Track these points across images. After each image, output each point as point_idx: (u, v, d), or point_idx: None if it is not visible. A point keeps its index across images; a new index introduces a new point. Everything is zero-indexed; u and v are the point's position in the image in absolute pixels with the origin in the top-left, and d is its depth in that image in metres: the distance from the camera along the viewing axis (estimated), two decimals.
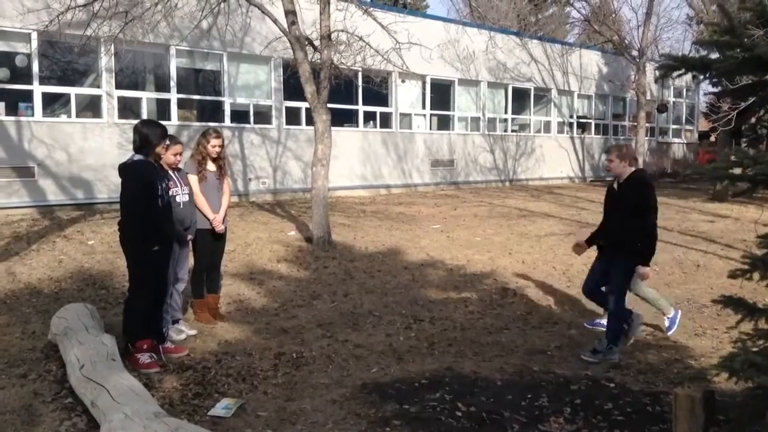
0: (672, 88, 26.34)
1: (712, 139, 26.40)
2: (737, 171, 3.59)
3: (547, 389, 4.74)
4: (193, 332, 6.01)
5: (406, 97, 18.06)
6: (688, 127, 28.32)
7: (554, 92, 22.21)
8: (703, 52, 4.52)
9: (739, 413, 3.67)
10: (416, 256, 9.64)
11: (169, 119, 13.41)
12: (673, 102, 27.04)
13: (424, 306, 7.22)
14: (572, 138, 22.81)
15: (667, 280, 8.58)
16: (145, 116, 13.04)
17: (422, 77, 17.84)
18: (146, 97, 13.39)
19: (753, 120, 22.25)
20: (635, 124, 22.00)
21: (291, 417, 4.31)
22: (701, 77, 3.74)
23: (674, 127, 27.35)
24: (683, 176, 23.28)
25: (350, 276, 8.44)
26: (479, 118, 19.97)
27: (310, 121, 10.16)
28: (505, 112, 20.88)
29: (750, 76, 3.67)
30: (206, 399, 4.59)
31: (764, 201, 13.68)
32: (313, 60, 10.41)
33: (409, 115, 18.18)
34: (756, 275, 3.59)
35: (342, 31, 10.64)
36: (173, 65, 13.51)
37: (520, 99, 21.49)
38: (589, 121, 23.64)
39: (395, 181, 17.55)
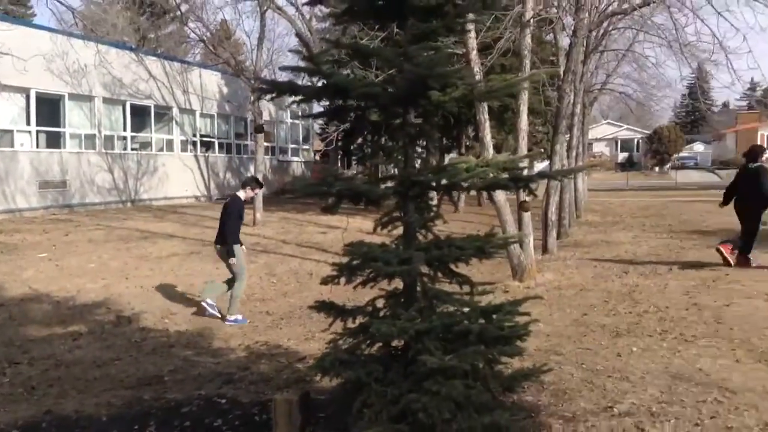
0: (289, 110, 28.10)
1: (317, 158, 28.88)
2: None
3: (156, 416, 4.52)
4: None
5: (5, 111, 15.99)
6: (305, 146, 30.53)
7: (176, 110, 21.91)
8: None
9: (333, 409, 3.95)
10: (16, 290, 8.50)
11: None
12: (290, 123, 28.87)
13: (22, 346, 6.38)
14: (196, 156, 22.77)
15: (284, 290, 9.00)
16: None
17: (25, 90, 16.01)
18: None
19: (360, 140, 24.91)
20: (256, 143, 22.89)
21: None
22: (292, 101, 3.96)
23: (293, 146, 29.24)
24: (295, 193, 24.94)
25: None
26: (95, 135, 18.66)
27: None
28: (124, 130, 19.89)
29: (332, 100, 4.01)
30: None
31: (368, 212, 15.30)
32: None
33: (11, 131, 16.13)
34: (343, 280, 3.89)
35: None
36: None
37: (140, 116, 20.69)
38: (212, 140, 23.87)
39: None
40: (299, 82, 4.09)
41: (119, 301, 8.22)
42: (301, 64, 4.09)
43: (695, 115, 67.97)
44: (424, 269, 3.85)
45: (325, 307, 4.14)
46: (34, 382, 5.42)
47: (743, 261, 9.12)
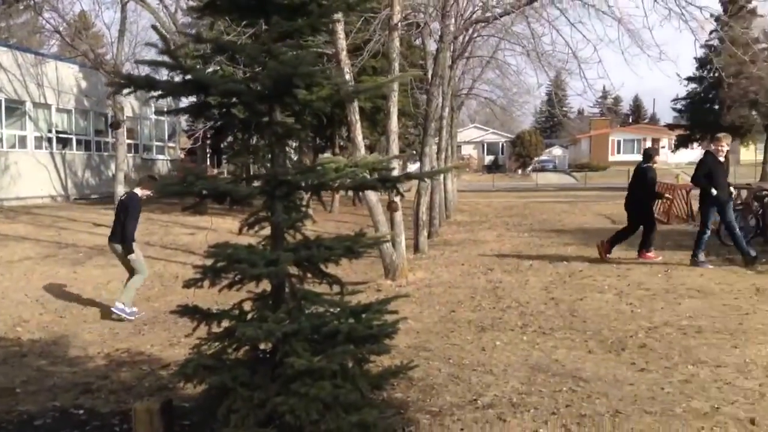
0: (153, 105, 26.97)
1: (181, 155, 27.98)
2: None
3: (7, 430, 4.19)
4: None
5: None
6: (171, 143, 29.43)
7: (29, 105, 20.43)
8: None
9: (198, 416, 3.82)
10: None
11: None
12: (155, 119, 27.74)
13: None
14: (52, 154, 21.34)
15: (147, 294, 8.64)
16: None
17: None
18: None
19: (231, 138, 24.36)
20: (116, 140, 21.81)
21: None
22: (150, 96, 3.80)
23: (158, 143, 28.10)
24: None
25: None
26: None
27: None
28: None
29: (192, 96, 3.88)
30: None
31: (238, 213, 14.98)
32: None
33: None
34: (207, 283, 3.77)
35: None
36: None
37: None
38: (70, 136, 22.47)
39: None
40: (158, 77, 3.92)
41: None
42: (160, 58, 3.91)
43: (553, 121, 72.15)
44: (293, 270, 3.82)
45: (188, 311, 4.00)
46: None
47: (646, 255, 9.86)
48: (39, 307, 7.87)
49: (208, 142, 24.51)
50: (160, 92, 3.75)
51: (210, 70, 13.23)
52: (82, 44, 18.55)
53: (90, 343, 6.46)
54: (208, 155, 30.01)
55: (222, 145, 26.44)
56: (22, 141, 20.35)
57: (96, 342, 6.50)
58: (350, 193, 4.50)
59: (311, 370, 3.30)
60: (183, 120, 30.90)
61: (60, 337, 6.63)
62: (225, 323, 3.78)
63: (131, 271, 7.81)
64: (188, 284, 3.80)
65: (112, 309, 7.58)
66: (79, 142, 22.97)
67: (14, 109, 20.14)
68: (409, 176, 4.12)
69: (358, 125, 9.00)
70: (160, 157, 28.19)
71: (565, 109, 62.92)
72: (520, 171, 57.30)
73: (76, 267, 10.06)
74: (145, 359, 5.90)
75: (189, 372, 3.47)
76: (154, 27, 17.05)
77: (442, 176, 16.80)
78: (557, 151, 66.64)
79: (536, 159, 58.54)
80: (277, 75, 3.38)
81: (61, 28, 21.00)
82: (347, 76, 8.44)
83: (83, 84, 23.03)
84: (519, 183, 48.15)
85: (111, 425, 4.24)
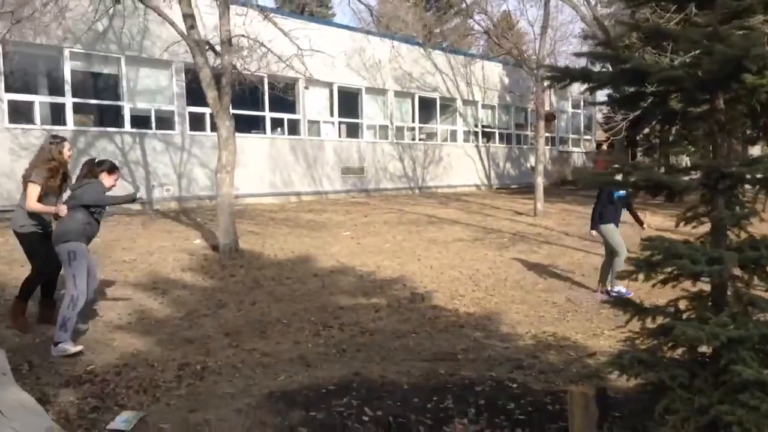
0: (570, 99, 27.48)
1: (604, 147, 27.65)
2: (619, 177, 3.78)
3: (452, 391, 4.82)
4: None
5: (313, 104, 18.03)
6: (586, 136, 29.64)
7: (459, 102, 22.74)
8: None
9: (631, 408, 3.86)
10: (326, 263, 9.62)
11: (64, 124, 12.84)
12: (571, 113, 28.23)
13: (333, 312, 7.21)
14: (478, 147, 23.41)
15: (568, 282, 8.92)
16: (38, 121, 12.43)
17: (329, 84, 17.88)
18: (39, 101, 12.77)
19: (647, 130, 23.47)
20: (536, 133, 22.81)
21: (194, 428, 4.20)
22: (585, 88, 3.91)
23: (573, 136, 28.56)
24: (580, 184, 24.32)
25: (258, 284, 8.32)
26: (387, 126, 20.18)
27: (215, 127, 10.01)
28: (413, 121, 21.20)
29: (628, 87, 3.87)
30: (105, 413, 4.40)
31: (658, 207, 14.43)
32: (214, 65, 10.22)
33: (318, 122, 18.15)
34: (641, 276, 3.76)
35: (243, 36, 10.51)
36: (67, 68, 12.94)
37: (427, 108, 21.87)
38: (493, 130, 24.34)
39: (305, 188, 17.47)
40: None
41: (413, 279, 8.86)
42: (583, 51, 3.96)
43: None
44: (736, 272, 3.58)
45: (621, 303, 4.06)
46: (344, 346, 6.09)
47: None
48: (471, 284, 8.77)
49: (624, 134, 23.97)
50: (593, 84, 3.83)
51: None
52: (507, 43, 19.81)
53: (518, 322, 6.98)
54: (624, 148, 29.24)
55: (637, 138, 25.51)
56: (453, 135, 22.73)
57: (523, 322, 6.99)
58: None
59: (761, 382, 3.07)
60: (599, 112, 30.78)
61: (491, 313, 7.31)
62: (659, 319, 3.73)
63: (609, 253, 8.12)
64: (621, 276, 3.86)
65: (601, 295, 8.02)
66: (500, 135, 24.71)
67: (447, 106, 22.62)
68: None
69: None
70: (576, 149, 28.62)
71: None
72: None
73: (501, 251, 10.93)
74: (571, 345, 6.15)
75: (624, 364, 3.51)
76: (595, 19, 17.32)
77: None
78: None
79: None
80: (724, 59, 3.17)
81: (488, 29, 22.78)
82: None
83: (506, 81, 24.64)
84: None
85: (543, 403, 4.56)
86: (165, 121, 14.69)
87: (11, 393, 4.02)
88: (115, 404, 4.55)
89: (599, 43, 3.87)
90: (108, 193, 5.97)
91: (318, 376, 5.24)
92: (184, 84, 14.51)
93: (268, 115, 16.54)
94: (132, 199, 6.20)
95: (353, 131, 19.55)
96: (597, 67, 4.74)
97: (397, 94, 20.47)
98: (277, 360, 5.65)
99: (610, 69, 3.83)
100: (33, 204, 5.85)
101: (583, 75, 3.78)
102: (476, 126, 23.56)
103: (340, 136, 18.83)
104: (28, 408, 3.87)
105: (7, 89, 12.13)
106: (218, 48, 10.03)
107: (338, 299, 7.78)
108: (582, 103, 28.66)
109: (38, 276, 6.15)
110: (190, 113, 14.83)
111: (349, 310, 7.32)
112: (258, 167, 16.01)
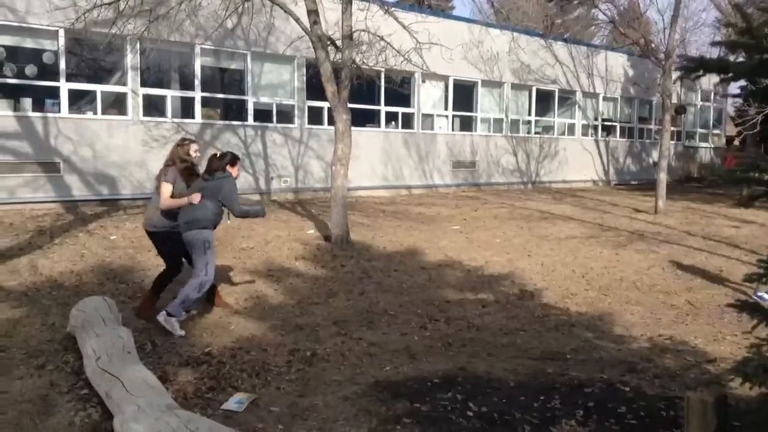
0: (699, 91, 25.97)
1: (736, 142, 25.93)
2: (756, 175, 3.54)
3: (560, 391, 4.70)
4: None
5: (428, 97, 18.03)
6: (715, 131, 27.92)
7: (579, 94, 22.02)
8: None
9: (753, 419, 3.62)
10: (434, 256, 9.63)
11: (193, 117, 13.56)
12: (700, 106, 26.66)
13: (440, 306, 7.22)
14: (597, 141, 22.61)
15: (690, 284, 8.47)
16: (169, 114, 13.21)
17: (445, 78, 17.81)
18: (171, 95, 13.54)
19: None
20: (661, 127, 21.74)
21: (302, 413, 4.33)
22: (720, 79, 3.68)
23: (701, 131, 26.97)
24: (709, 181, 22.96)
25: (367, 275, 8.46)
26: (502, 119, 19.87)
27: (332, 121, 10.24)
28: (529, 114, 20.76)
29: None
30: (219, 393, 4.63)
31: None
32: (335, 59, 10.45)
33: (432, 115, 18.14)
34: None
35: (364, 30, 10.67)
36: (198, 64, 13.63)
37: (544, 101, 21.33)
38: (614, 124, 23.41)
39: (416, 181, 17.54)
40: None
41: (522, 275, 8.71)
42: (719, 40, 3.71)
43: None
44: None
45: (748, 307, 3.81)
46: (450, 340, 6.09)
47: None
48: (584, 282, 8.50)
49: (758, 128, 22.43)
50: (731, 74, 3.60)
51: None
52: (633, 33, 18.98)
53: (633, 324, 6.71)
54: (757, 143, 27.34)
55: None
56: (571, 129, 22.06)
57: (639, 324, 6.71)
58: None
59: None
60: (731, 106, 28.93)
61: (604, 314, 7.06)
62: None
63: None
64: (749, 278, 3.62)
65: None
66: (622, 129, 23.73)
67: (566, 99, 21.96)
68: None
69: None
70: (703, 144, 27.03)
71: None
72: None
73: (618, 249, 10.51)
74: (689, 350, 5.85)
75: (749, 371, 3.31)
76: (735, 5, 16.31)
77: None
78: None
79: None
80: None
81: (614, 19, 21.91)
82: None
83: (630, 72, 23.61)
84: None
85: (656, 408, 4.36)
86: (285, 115, 15.18)
87: (136, 371, 4.31)
88: (229, 385, 4.77)
89: (739, 31, 3.62)
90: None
91: (423, 368, 5.26)
92: (304, 79, 14.93)
93: (383, 108, 16.71)
94: (263, 213, 6.44)
95: (466, 125, 19.39)
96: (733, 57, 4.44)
97: (514, 86, 20.09)
98: (384, 350, 5.73)
99: (749, 59, 3.59)
100: (166, 201, 6.22)
101: (720, 65, 3.57)
102: (596, 119, 22.75)
103: (453, 130, 18.74)
104: (151, 385, 4.13)
105: (143, 84, 12.95)
106: (339, 43, 10.24)
107: (445, 293, 7.77)
108: (712, 96, 27.00)
109: (171, 271, 6.51)
110: (309, 107, 15.25)
111: (456, 304, 7.30)
112: (371, 160, 16.24)
